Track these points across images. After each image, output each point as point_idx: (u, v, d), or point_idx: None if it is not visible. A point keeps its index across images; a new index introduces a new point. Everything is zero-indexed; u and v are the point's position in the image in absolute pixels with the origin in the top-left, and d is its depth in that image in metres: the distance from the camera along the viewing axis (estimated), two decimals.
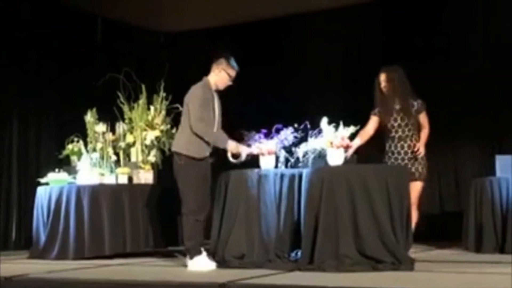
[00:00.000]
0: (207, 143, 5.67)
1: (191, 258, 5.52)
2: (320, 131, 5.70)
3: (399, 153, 6.21)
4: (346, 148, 5.61)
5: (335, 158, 5.50)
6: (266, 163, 5.82)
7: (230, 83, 5.83)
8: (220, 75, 5.79)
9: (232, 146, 5.72)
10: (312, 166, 5.63)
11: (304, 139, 5.82)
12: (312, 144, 5.71)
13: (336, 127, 5.65)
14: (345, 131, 5.61)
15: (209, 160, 5.78)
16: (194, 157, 5.65)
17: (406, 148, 6.19)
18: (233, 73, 5.81)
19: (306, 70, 9.19)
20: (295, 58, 9.32)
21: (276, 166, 5.87)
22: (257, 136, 5.91)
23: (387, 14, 8.93)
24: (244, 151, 5.73)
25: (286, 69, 9.32)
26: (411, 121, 6.19)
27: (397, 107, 6.18)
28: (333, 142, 5.50)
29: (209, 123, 5.68)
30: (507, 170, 6.71)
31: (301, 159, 5.78)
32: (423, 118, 6.25)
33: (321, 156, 5.64)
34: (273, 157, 5.85)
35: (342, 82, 9.13)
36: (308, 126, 5.80)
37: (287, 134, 5.88)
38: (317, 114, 5.77)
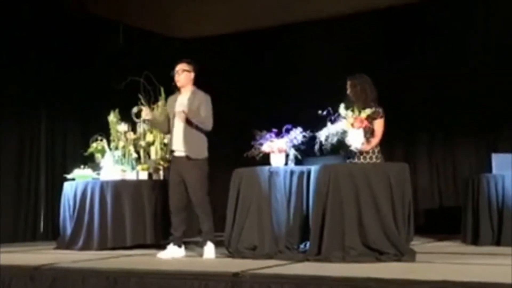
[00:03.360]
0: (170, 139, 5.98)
1: None
2: (338, 116, 5.63)
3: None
4: (366, 128, 5.53)
5: (356, 138, 5.47)
6: (277, 161, 5.81)
7: (176, 79, 5.94)
8: None
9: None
10: (335, 148, 5.61)
11: (324, 125, 5.69)
12: (333, 127, 5.62)
13: (353, 111, 5.57)
14: (363, 113, 5.54)
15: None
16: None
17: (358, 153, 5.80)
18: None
19: (314, 74, 9.14)
20: (302, 62, 9.29)
21: (286, 164, 5.85)
22: (268, 135, 5.90)
23: (388, 18, 8.87)
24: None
25: (294, 73, 9.30)
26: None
27: None
28: (354, 123, 5.47)
29: None
30: (502, 168, 6.66)
31: (323, 142, 5.63)
32: (376, 126, 5.79)
33: (342, 138, 5.57)
34: (283, 155, 5.83)
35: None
36: (330, 111, 5.66)
37: (297, 134, 5.86)
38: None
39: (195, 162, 5.79)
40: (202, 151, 5.84)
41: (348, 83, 6.04)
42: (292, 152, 5.88)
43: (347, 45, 8.89)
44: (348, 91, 6.02)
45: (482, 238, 6.51)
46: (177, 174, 5.85)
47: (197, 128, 5.78)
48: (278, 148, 5.81)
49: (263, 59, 9.62)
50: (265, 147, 5.84)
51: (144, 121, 6.28)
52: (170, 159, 6.74)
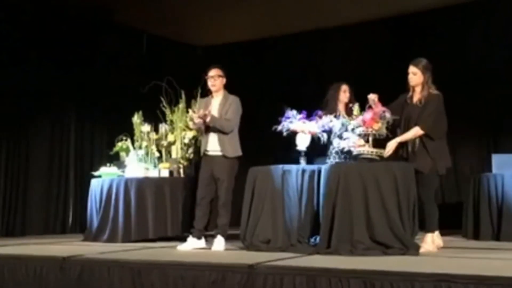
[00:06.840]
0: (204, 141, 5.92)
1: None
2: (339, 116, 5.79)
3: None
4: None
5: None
6: (302, 142, 5.67)
7: (211, 84, 5.92)
8: None
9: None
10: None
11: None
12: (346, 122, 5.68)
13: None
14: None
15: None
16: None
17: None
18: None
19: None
20: (315, 68, 9.25)
21: (308, 147, 5.69)
22: (290, 114, 5.71)
23: (394, 27, 8.86)
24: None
25: (308, 80, 9.26)
26: None
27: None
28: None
29: None
30: (502, 167, 6.62)
31: (337, 131, 5.73)
32: None
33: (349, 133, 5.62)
34: (309, 138, 5.68)
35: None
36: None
37: (329, 120, 5.72)
38: None
39: (229, 161, 5.82)
40: (236, 150, 5.87)
41: (345, 87, 6.10)
42: (325, 137, 5.70)
43: (361, 51, 8.88)
44: (346, 96, 6.08)
45: (483, 233, 6.48)
46: (208, 170, 5.86)
47: (219, 131, 5.79)
48: (310, 130, 5.65)
49: (281, 66, 9.57)
50: (296, 126, 5.66)
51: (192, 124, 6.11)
52: (190, 158, 6.79)
